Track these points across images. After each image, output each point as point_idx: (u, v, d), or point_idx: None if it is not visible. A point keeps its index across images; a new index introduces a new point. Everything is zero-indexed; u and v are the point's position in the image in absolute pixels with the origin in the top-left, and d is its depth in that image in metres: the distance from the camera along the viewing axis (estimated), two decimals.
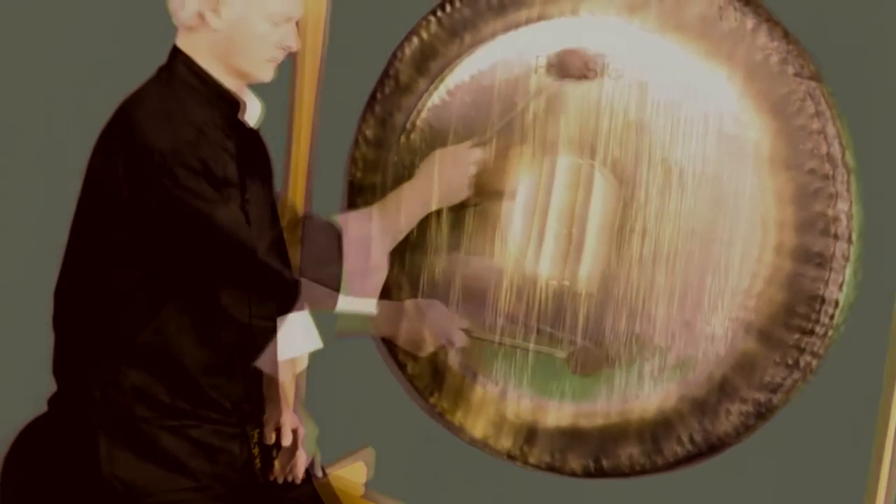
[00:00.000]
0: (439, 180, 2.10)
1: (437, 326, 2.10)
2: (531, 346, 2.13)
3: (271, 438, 2.10)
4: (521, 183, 2.13)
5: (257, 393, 2.05)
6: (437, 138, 2.19)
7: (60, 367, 2.00)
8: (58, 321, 2.01)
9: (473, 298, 2.17)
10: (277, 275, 1.94)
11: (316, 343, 2.03)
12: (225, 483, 1.95)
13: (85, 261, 1.94)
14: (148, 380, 1.91)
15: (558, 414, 2.17)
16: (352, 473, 2.66)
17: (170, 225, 1.85)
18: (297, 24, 2.00)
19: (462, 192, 2.13)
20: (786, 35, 1.98)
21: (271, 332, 1.97)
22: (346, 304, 2.05)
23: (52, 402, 2.01)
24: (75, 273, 1.97)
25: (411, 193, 2.12)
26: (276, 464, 2.10)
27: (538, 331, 2.11)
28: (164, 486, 1.89)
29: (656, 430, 2.11)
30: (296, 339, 2.01)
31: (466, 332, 2.15)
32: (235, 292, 1.92)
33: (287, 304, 1.98)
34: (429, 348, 2.12)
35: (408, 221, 2.12)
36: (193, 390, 1.93)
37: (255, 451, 2.03)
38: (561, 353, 2.10)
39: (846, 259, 1.94)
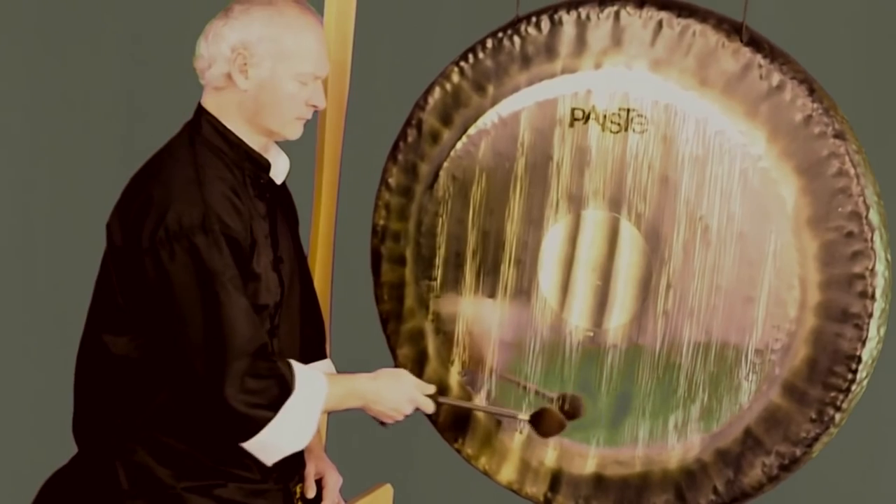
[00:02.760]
0: (386, 401, 2.04)
1: (405, 395, 2.07)
2: (497, 410, 2.15)
3: (313, 492, 2.11)
4: (550, 234, 2.15)
5: None
6: (461, 189, 2.21)
7: (80, 429, 2.01)
8: (77, 383, 2.02)
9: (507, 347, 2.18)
10: (277, 376, 1.90)
11: (308, 436, 1.97)
12: None
13: (98, 324, 1.95)
14: (168, 443, 1.93)
15: (583, 462, 2.19)
16: None
17: (175, 300, 1.85)
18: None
19: (388, 420, 2.07)
20: (812, 92, 1.99)
21: (262, 421, 1.90)
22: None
23: (75, 462, 2.03)
24: (91, 335, 1.98)
25: (358, 389, 2.04)
26: None
27: (523, 388, 2.13)
28: None
29: (680, 480, 2.12)
30: (287, 433, 1.93)
31: (434, 397, 2.13)
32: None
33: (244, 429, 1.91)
34: (398, 417, 2.09)
35: (335, 409, 2.03)
36: (214, 449, 1.94)
37: None
38: (525, 416, 2.12)
39: (870, 316, 1.97)
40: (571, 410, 2.10)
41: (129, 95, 3.09)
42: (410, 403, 2.08)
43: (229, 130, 1.95)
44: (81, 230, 3.06)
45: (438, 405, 2.14)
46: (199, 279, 1.84)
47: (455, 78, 2.21)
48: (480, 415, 2.27)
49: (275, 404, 1.89)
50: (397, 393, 2.05)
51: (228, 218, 1.87)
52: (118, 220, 1.90)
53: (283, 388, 1.90)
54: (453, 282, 2.24)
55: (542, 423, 2.11)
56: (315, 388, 1.95)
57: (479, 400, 2.22)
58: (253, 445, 1.91)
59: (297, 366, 1.94)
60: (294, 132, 1.98)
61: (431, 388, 2.13)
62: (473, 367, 2.26)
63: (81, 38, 3.09)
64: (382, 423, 2.09)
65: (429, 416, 2.35)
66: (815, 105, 1.98)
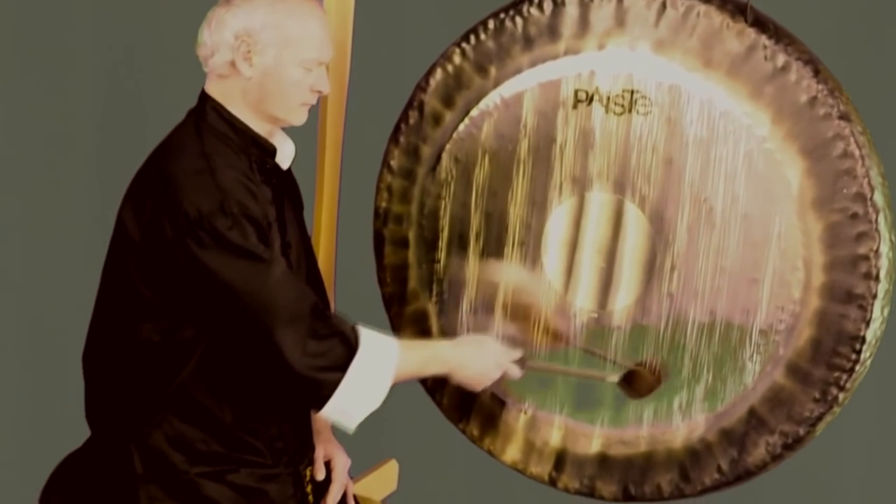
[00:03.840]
0: (472, 367, 2.02)
1: (492, 361, 2.07)
2: (588, 372, 2.13)
3: (322, 474, 2.12)
4: (554, 216, 2.15)
5: (304, 430, 2.07)
6: (463, 171, 2.20)
7: (93, 414, 2.02)
8: (88, 368, 2.02)
9: (512, 329, 2.18)
10: (338, 334, 1.89)
11: (383, 394, 1.94)
12: None
13: (113, 312, 1.95)
14: (182, 428, 1.93)
15: (588, 442, 2.21)
16: (375, 486, 2.69)
17: (211, 285, 1.85)
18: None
19: (476, 388, 2.06)
20: (817, 73, 1.99)
21: (333, 383, 1.89)
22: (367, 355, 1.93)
23: (89, 445, 2.04)
24: (105, 321, 1.98)
25: (441, 355, 2.03)
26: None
27: (601, 358, 2.10)
28: None
29: (684, 459, 2.14)
30: (361, 395, 1.91)
31: (520, 362, 2.12)
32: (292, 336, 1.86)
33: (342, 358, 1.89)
34: (486, 383, 2.07)
35: (417, 375, 2.04)
36: (227, 435, 1.95)
37: (309, 489, 2.07)
38: (614, 378, 2.11)
39: (874, 297, 1.98)
40: (658, 373, 2.09)
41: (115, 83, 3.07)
42: (498, 369, 2.06)
43: (235, 117, 1.93)
44: (82, 217, 3.07)
45: (525, 370, 2.10)
46: (231, 259, 1.83)
47: (456, 59, 2.20)
48: (485, 397, 2.28)
49: (342, 364, 1.87)
50: (483, 359, 2.04)
51: (246, 200, 1.86)
52: (133, 215, 1.88)
53: (348, 346, 1.88)
54: (457, 264, 2.24)
55: (633, 384, 2.09)
56: (383, 343, 1.93)
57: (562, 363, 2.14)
58: (332, 411, 1.89)
59: (360, 326, 1.93)
60: (299, 118, 1.97)
61: (518, 353, 2.10)
62: None
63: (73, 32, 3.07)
64: (470, 392, 2.07)
65: (433, 398, 2.36)
66: (821, 86, 1.98)
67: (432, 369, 2.03)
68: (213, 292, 1.85)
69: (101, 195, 3.00)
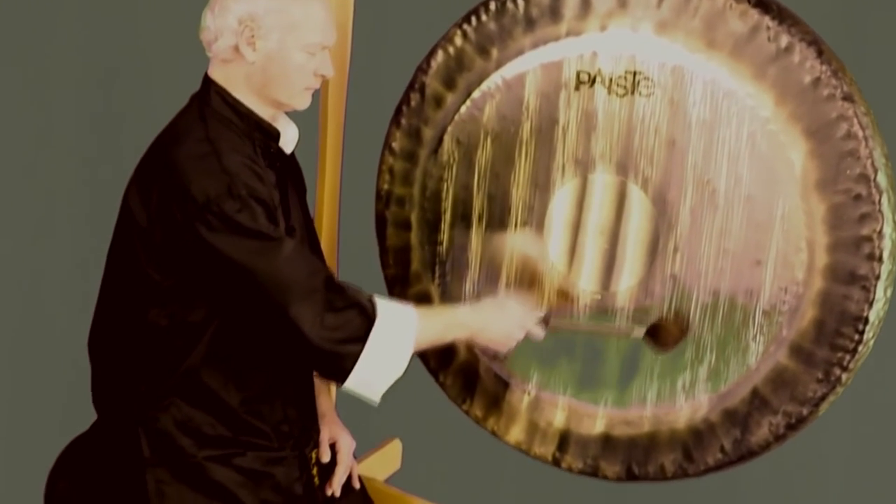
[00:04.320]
0: (494, 330, 2.01)
1: (514, 322, 2.05)
2: (612, 327, 2.11)
3: (327, 456, 2.13)
4: (557, 198, 2.15)
5: (309, 414, 2.07)
6: (466, 153, 2.20)
7: (100, 398, 2.02)
8: (95, 352, 2.03)
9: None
10: (355, 305, 1.88)
11: (406, 361, 1.93)
12: None
13: (121, 297, 1.95)
14: (189, 412, 1.93)
15: (592, 422, 2.22)
16: (378, 466, 2.70)
17: (223, 267, 1.84)
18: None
19: (501, 350, 2.06)
20: (820, 54, 1.98)
21: (353, 355, 1.88)
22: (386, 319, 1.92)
23: (95, 428, 2.04)
24: (112, 307, 1.98)
25: (462, 320, 2.01)
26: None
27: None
28: None
29: (688, 439, 2.15)
30: (382, 365, 1.90)
31: (543, 321, 2.10)
32: (308, 310, 1.85)
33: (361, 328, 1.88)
34: (510, 345, 2.06)
35: (438, 341, 2.01)
36: (233, 419, 1.95)
37: (314, 471, 2.07)
38: (639, 332, 2.10)
39: (877, 278, 1.98)
40: (684, 324, 2.08)
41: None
42: (521, 330, 2.05)
43: (238, 101, 1.93)
44: (82, 205, 3.05)
45: (548, 329, 2.08)
46: (242, 241, 1.83)
47: (458, 41, 2.19)
48: (487, 377, 2.29)
49: (361, 336, 1.86)
50: (506, 321, 2.03)
51: (252, 182, 1.86)
52: (140, 201, 1.88)
53: (365, 316, 1.88)
54: (459, 246, 2.24)
55: (658, 338, 2.09)
56: (401, 311, 1.92)
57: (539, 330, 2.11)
58: (355, 384, 1.89)
59: (377, 296, 1.92)
60: (303, 102, 1.96)
61: (540, 313, 2.10)
62: None
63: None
64: (495, 356, 2.06)
65: (436, 379, 2.37)
66: (824, 67, 1.98)
67: (453, 334, 2.01)
68: (226, 275, 1.85)
69: (90, 184, 3.00)
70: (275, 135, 1.97)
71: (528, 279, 2.16)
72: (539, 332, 2.08)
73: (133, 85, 2.98)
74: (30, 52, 3.02)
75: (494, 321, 2.02)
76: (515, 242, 2.15)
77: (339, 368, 1.87)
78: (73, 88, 3.03)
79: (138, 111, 2.94)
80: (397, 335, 1.90)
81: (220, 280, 1.86)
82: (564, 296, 2.13)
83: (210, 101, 1.93)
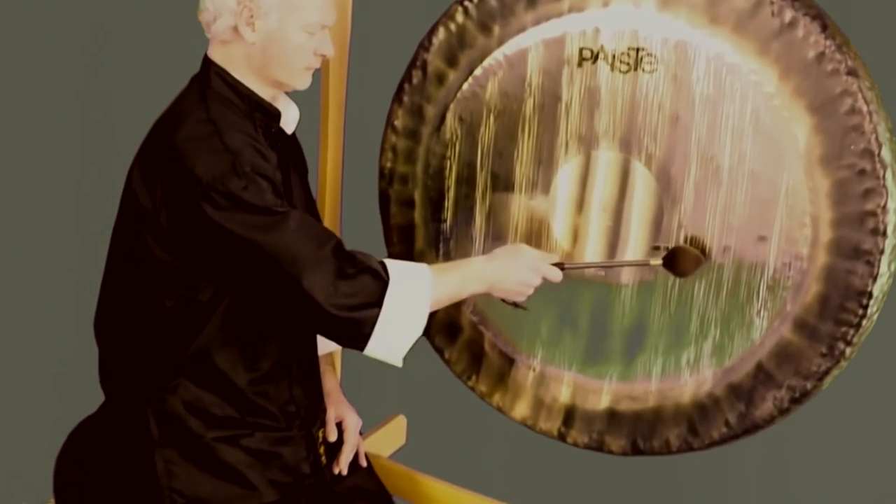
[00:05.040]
0: (511, 277, 2.00)
1: (530, 266, 2.03)
2: (628, 262, 2.09)
3: (334, 435, 2.14)
4: (560, 175, 2.14)
5: (315, 393, 2.08)
6: (468, 130, 2.19)
7: (107, 379, 2.03)
8: (101, 334, 2.03)
9: None
10: (366, 270, 1.87)
11: (424, 319, 1.91)
12: (281, 488, 1.99)
13: (126, 279, 1.95)
14: (197, 393, 1.94)
15: (597, 398, 2.23)
16: (383, 442, 2.72)
17: (233, 245, 1.84)
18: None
19: (519, 298, 2.04)
20: (825, 28, 1.97)
21: (371, 320, 1.86)
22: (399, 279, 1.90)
23: (103, 410, 2.06)
24: (117, 289, 1.98)
25: (477, 271, 1.99)
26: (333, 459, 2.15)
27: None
28: (225, 496, 1.94)
29: (693, 414, 2.16)
30: (401, 327, 1.88)
31: (560, 265, 2.07)
32: (320, 278, 1.83)
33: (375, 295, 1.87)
34: (528, 291, 2.04)
35: (456, 296, 1.99)
36: (241, 400, 1.96)
37: (322, 450, 2.08)
38: (656, 262, 2.08)
39: (881, 252, 1.98)
40: (703, 247, 2.05)
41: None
42: (536, 274, 2.02)
43: (239, 82, 1.92)
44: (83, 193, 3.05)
45: (564, 272, 2.05)
46: (249, 217, 1.83)
47: (459, 18, 2.18)
48: (492, 353, 2.29)
49: (376, 300, 1.86)
50: (521, 267, 2.00)
51: (256, 159, 1.86)
52: (143, 184, 1.88)
53: (379, 280, 1.86)
54: (463, 223, 2.24)
55: (678, 264, 2.07)
56: (414, 270, 1.91)
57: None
58: (376, 349, 1.88)
59: (388, 259, 1.92)
60: (303, 82, 1.95)
61: (554, 257, 2.08)
62: (483, 306, 2.28)
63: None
64: (514, 304, 2.03)
65: (441, 356, 2.38)
66: (828, 42, 1.97)
67: (471, 288, 1.99)
68: (235, 252, 1.85)
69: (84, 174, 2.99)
70: (276, 115, 1.97)
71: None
72: (556, 275, 2.04)
73: (130, 67, 2.97)
74: (22, 37, 3.00)
75: (510, 269, 1.99)
76: (521, 208, 2.14)
77: (359, 334, 1.86)
78: (69, 72, 3.02)
79: (136, 94, 2.93)
80: (412, 294, 1.89)
81: (229, 258, 1.86)
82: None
83: (210, 82, 1.92)
